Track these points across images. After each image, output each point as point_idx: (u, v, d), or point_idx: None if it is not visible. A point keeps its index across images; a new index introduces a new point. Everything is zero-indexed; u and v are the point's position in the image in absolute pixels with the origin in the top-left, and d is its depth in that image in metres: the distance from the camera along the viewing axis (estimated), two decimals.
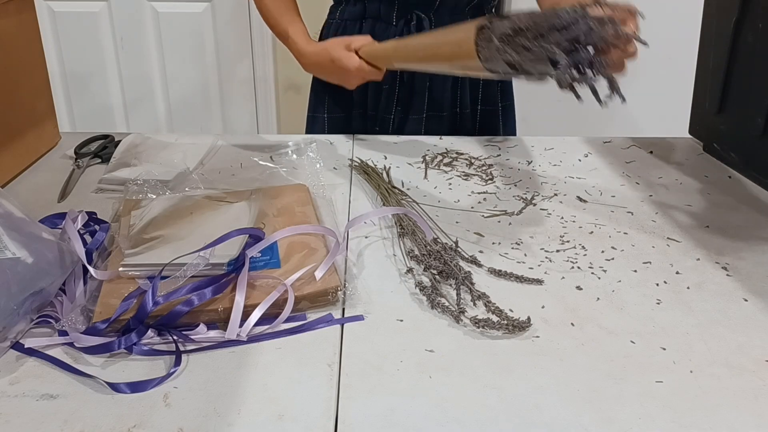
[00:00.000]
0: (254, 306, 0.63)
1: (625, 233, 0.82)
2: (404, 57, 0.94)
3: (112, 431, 0.51)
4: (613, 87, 0.70)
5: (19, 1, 0.96)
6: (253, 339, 0.61)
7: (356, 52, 0.99)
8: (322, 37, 1.24)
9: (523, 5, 1.26)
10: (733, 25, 0.96)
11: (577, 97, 0.71)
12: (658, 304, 0.68)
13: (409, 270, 0.72)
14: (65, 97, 2.39)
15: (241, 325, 0.61)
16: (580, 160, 1.05)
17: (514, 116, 1.27)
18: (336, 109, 1.22)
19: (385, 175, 0.97)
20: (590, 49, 0.68)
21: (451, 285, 0.70)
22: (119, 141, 1.06)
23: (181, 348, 0.60)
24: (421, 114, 1.18)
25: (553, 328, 0.64)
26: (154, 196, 0.84)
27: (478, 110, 1.21)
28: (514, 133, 1.26)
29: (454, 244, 0.77)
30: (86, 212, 0.78)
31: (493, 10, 1.19)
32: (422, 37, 0.94)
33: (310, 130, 1.26)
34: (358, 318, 0.65)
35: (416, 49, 0.91)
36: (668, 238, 0.81)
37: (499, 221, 0.85)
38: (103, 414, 0.52)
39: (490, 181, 0.97)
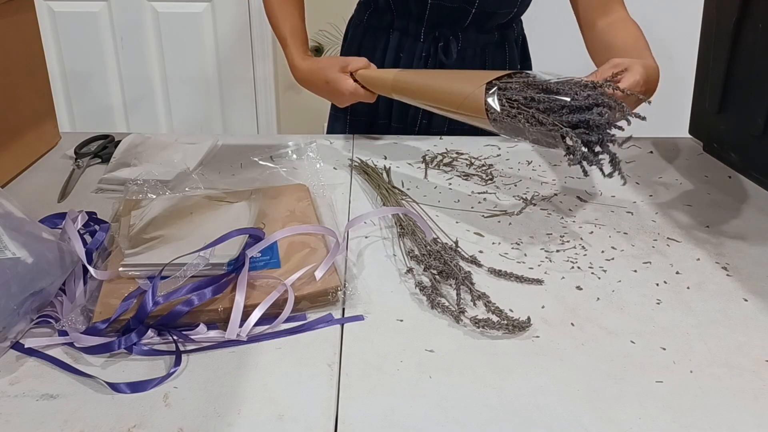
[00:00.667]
0: (254, 306, 0.63)
1: (625, 233, 0.82)
2: (403, 91, 0.92)
3: (112, 431, 0.51)
4: (616, 167, 0.75)
5: (19, 1, 0.96)
6: (253, 339, 0.61)
7: (352, 74, 0.98)
8: (347, 37, 1.23)
9: (544, 10, 1.26)
10: (733, 25, 0.96)
11: (585, 173, 0.75)
12: (658, 304, 0.68)
13: (409, 270, 0.72)
14: (65, 97, 2.39)
15: (241, 325, 0.61)
16: None
17: None
18: (360, 112, 1.21)
19: (385, 175, 0.97)
20: (598, 131, 0.74)
21: (451, 285, 0.70)
22: (119, 141, 1.06)
23: (181, 348, 0.60)
24: (442, 128, 1.18)
25: (553, 328, 0.64)
26: (154, 196, 0.84)
27: None
28: None
29: (454, 244, 0.77)
30: (86, 212, 0.78)
31: (519, 22, 1.19)
32: (426, 76, 0.92)
33: (331, 126, 1.26)
34: (358, 318, 0.65)
35: (419, 88, 0.90)
36: (668, 238, 0.81)
37: (499, 221, 0.85)
38: (103, 414, 0.52)
39: (490, 181, 0.97)
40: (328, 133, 1.27)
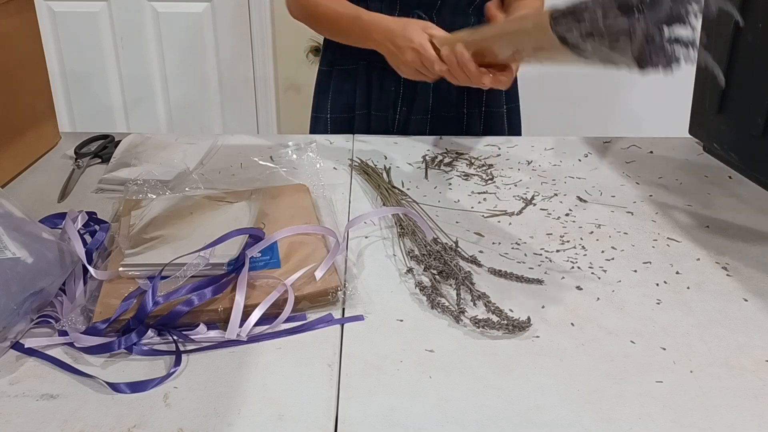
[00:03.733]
0: (254, 306, 0.63)
1: (625, 233, 0.82)
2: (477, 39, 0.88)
3: (112, 431, 0.51)
4: (691, 44, 0.64)
5: (19, 1, 0.96)
6: (253, 339, 0.61)
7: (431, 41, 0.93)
8: (327, 40, 1.23)
9: None
10: (733, 25, 0.96)
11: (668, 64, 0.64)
12: (658, 304, 0.68)
13: (409, 270, 0.72)
14: (65, 97, 2.39)
15: (241, 325, 0.61)
16: (580, 160, 1.05)
17: (519, 118, 1.26)
18: (339, 109, 1.21)
19: (385, 175, 0.97)
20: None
21: (451, 285, 0.70)
22: (119, 141, 1.06)
23: (181, 348, 0.60)
24: (425, 114, 1.18)
25: (553, 328, 0.64)
26: (154, 196, 0.84)
27: (483, 111, 1.21)
28: (519, 135, 1.26)
29: (454, 244, 0.77)
30: (86, 212, 0.78)
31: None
32: (489, 29, 0.89)
33: (313, 130, 1.26)
34: (358, 318, 0.65)
35: (488, 38, 0.86)
36: (668, 238, 0.81)
37: (499, 221, 0.85)
38: (103, 414, 0.52)
39: (490, 181, 0.97)
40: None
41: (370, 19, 1.02)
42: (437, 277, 0.70)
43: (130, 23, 2.30)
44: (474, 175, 0.99)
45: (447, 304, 0.66)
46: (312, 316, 0.65)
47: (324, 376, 0.57)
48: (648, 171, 1.01)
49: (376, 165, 1.00)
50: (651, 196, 0.93)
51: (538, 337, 0.62)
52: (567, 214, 0.87)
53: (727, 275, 0.73)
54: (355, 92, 1.18)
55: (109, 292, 0.65)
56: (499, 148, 1.09)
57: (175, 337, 0.60)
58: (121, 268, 0.67)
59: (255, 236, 0.71)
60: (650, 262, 0.75)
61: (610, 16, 0.65)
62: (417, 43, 0.92)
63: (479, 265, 0.74)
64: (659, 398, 0.55)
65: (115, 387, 0.55)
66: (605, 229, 0.83)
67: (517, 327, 0.62)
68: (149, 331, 0.61)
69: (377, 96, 1.18)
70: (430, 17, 1.11)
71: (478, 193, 0.93)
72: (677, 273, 0.73)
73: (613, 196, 0.92)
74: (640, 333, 0.63)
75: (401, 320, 0.65)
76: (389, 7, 1.12)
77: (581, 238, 0.80)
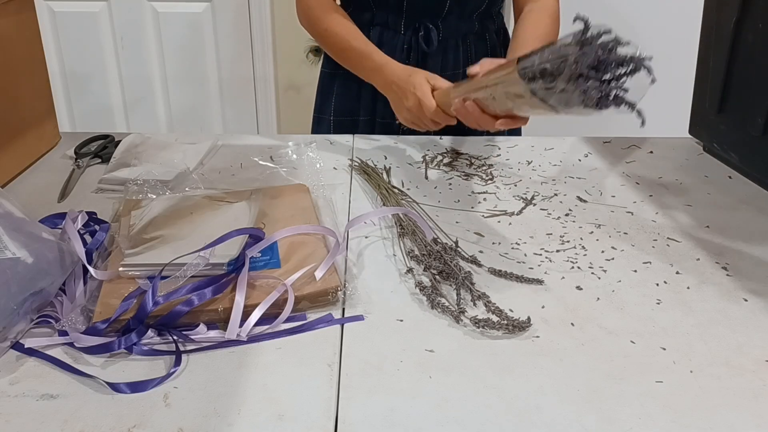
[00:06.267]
0: (254, 306, 0.63)
1: (625, 233, 0.82)
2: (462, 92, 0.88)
3: (112, 431, 0.51)
4: (632, 107, 0.66)
5: (19, 1, 0.96)
6: (253, 339, 0.61)
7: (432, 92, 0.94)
8: None
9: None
10: (733, 25, 0.96)
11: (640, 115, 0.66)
12: (658, 304, 0.68)
13: (409, 270, 0.72)
14: (65, 97, 2.39)
15: (241, 325, 0.61)
16: (580, 160, 1.05)
17: None
18: (342, 112, 1.21)
19: (385, 175, 0.97)
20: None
21: (451, 285, 0.70)
22: (119, 141, 1.06)
23: (181, 348, 0.60)
24: None
25: (553, 328, 0.64)
26: (154, 196, 0.84)
27: None
28: (519, 135, 1.25)
29: (454, 244, 0.77)
30: (86, 212, 0.78)
31: (499, 14, 1.19)
32: (474, 80, 0.87)
33: (315, 130, 1.25)
34: (358, 318, 0.65)
35: (473, 85, 0.85)
36: (668, 238, 0.81)
37: (499, 221, 0.85)
38: (103, 414, 0.52)
39: (490, 181, 0.97)
40: None
41: (381, 60, 1.04)
42: (437, 277, 0.70)
43: (130, 23, 2.30)
44: (474, 175, 0.99)
45: (447, 304, 0.66)
46: (312, 316, 0.65)
47: (324, 376, 0.57)
48: (648, 171, 1.01)
49: (376, 165, 1.00)
50: (651, 196, 0.93)
51: (538, 337, 0.62)
52: (567, 214, 0.87)
53: (727, 275, 0.73)
54: (360, 97, 1.18)
55: (109, 292, 0.65)
56: (499, 148, 1.09)
57: (175, 337, 0.60)
58: (121, 268, 0.67)
59: (255, 236, 0.71)
60: (650, 262, 0.75)
61: (568, 74, 0.66)
62: (420, 90, 0.94)
63: (479, 265, 0.74)
64: (659, 398, 0.55)
65: (115, 387, 0.55)
66: (605, 229, 0.83)
67: (517, 327, 0.62)
68: (149, 331, 0.61)
69: (383, 105, 1.17)
70: (435, 24, 1.11)
71: (478, 193, 0.93)
72: (677, 273, 0.73)
73: (613, 196, 0.92)
74: (640, 333, 0.63)
75: (401, 320, 0.65)
76: (396, 14, 1.11)
77: (581, 238, 0.80)
